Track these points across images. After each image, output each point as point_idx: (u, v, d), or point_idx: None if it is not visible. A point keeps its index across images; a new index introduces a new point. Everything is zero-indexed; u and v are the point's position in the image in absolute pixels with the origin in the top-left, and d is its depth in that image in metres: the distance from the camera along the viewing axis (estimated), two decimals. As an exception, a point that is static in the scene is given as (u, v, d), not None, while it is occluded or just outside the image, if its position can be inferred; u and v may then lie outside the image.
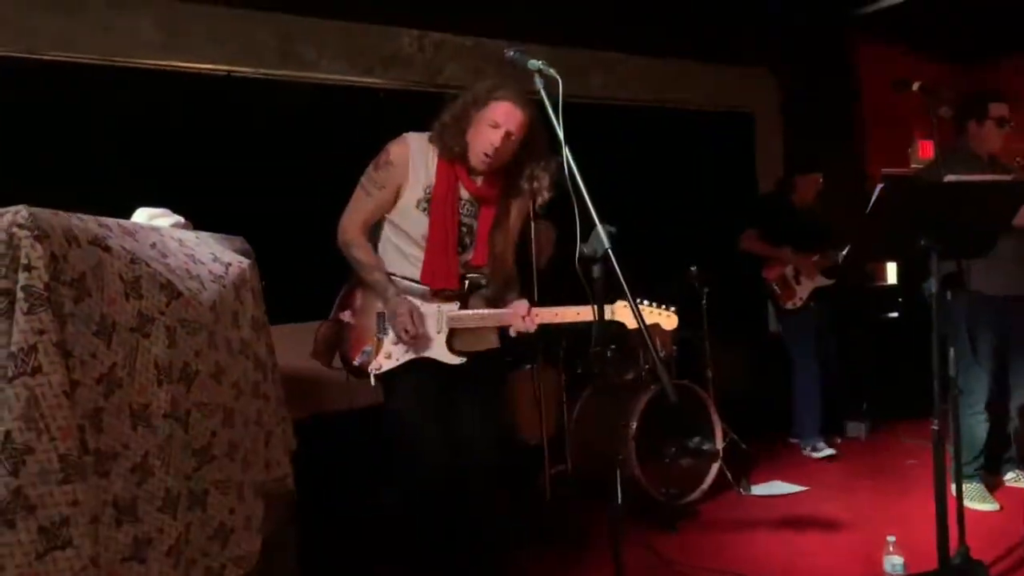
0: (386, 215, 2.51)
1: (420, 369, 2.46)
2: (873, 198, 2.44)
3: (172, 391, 1.45)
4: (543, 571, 3.17)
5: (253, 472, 1.75)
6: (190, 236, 1.84)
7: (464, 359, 2.45)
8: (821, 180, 4.89)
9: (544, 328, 3.86)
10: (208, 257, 1.76)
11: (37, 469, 1.12)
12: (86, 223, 1.34)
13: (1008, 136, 3.65)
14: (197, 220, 2.17)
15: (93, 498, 1.20)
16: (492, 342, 2.64)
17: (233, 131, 4.15)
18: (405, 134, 2.54)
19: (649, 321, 2.46)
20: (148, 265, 1.45)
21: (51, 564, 1.12)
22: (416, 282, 2.47)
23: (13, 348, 1.13)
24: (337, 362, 2.60)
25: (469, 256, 2.52)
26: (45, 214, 1.22)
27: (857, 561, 3.02)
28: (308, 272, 3.40)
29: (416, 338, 2.39)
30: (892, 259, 5.60)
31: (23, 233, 1.17)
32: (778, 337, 5.13)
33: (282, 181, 4.13)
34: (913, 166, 7.14)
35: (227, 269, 1.78)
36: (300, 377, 2.93)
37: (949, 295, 3.23)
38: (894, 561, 2.78)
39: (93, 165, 3.65)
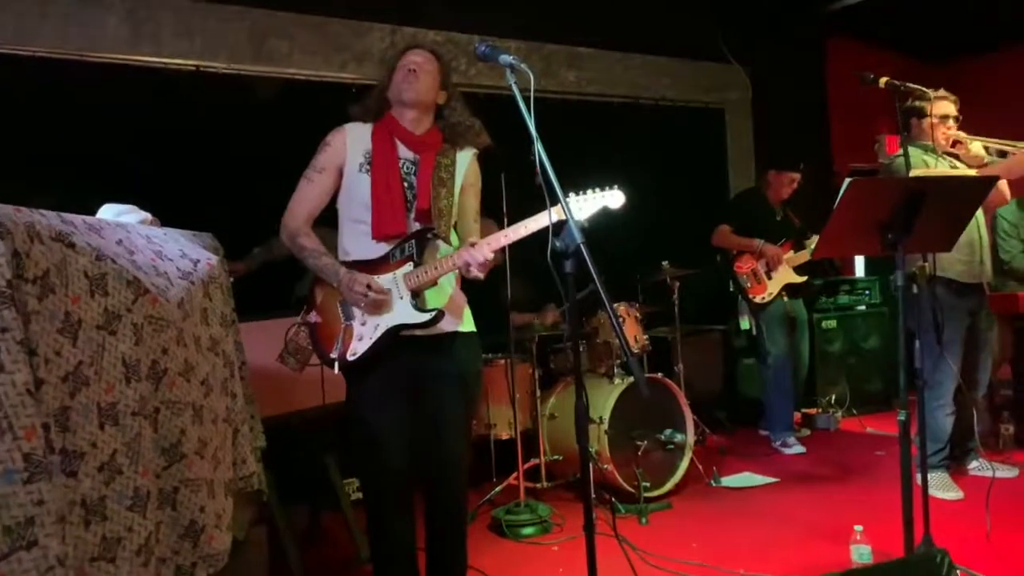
0: (337, 203, 2.51)
1: (387, 359, 2.44)
2: (840, 194, 2.48)
3: (140, 389, 1.44)
4: (515, 563, 3.18)
5: (222, 470, 1.73)
6: (158, 233, 1.82)
7: (433, 313, 2.40)
8: (796, 179, 4.95)
9: (517, 326, 3.85)
10: (176, 253, 1.74)
11: (0, 469, 1.10)
12: (49, 219, 1.32)
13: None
14: (165, 216, 2.16)
15: (60, 497, 1.19)
16: (459, 304, 2.62)
17: (203, 126, 4.10)
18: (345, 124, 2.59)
19: (597, 205, 2.38)
20: (114, 262, 1.44)
21: (16, 564, 1.11)
22: (368, 262, 2.45)
23: (-25, 347, 1.11)
24: (302, 367, 2.59)
25: (414, 205, 2.50)
26: (6, 210, 1.20)
27: (825, 550, 3.07)
28: (277, 268, 3.38)
29: (377, 303, 2.37)
30: (859, 254, 5.69)
31: (-15, 230, 1.15)
32: (748, 333, 5.20)
33: (252, 176, 4.09)
34: (880, 161, 7.26)
35: (195, 265, 1.77)
36: (270, 374, 2.91)
37: (915, 288, 3.29)
38: (861, 550, 2.82)
39: (57, 161, 3.59)
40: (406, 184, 2.48)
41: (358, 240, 2.46)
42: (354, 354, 2.40)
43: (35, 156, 3.55)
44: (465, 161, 2.62)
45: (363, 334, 2.40)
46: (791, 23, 6.46)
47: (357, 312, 2.42)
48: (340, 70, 4.68)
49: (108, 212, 1.81)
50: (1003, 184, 3.69)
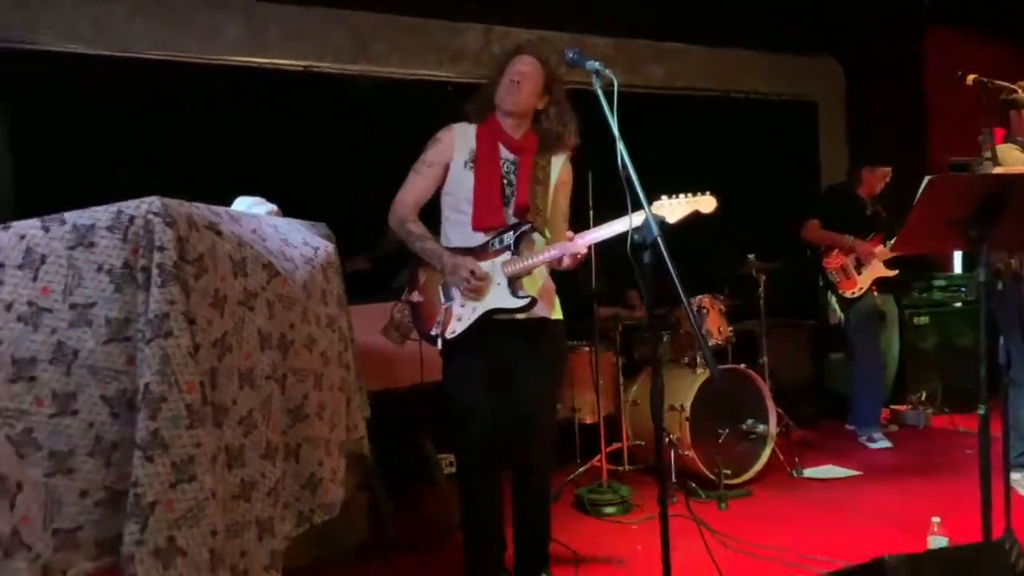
0: (442, 193, 2.74)
1: (482, 340, 2.63)
2: (921, 189, 2.53)
3: (272, 357, 1.68)
4: (596, 539, 3.35)
5: (338, 432, 1.98)
6: (282, 222, 2.07)
7: (528, 299, 2.60)
8: (888, 174, 4.90)
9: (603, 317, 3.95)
10: (299, 241, 1.99)
11: (170, 415, 1.35)
12: (202, 211, 1.57)
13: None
14: (284, 208, 2.42)
15: (212, 442, 1.43)
16: (549, 292, 2.80)
17: (312, 124, 4.41)
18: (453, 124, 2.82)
19: (688, 209, 2.52)
20: (252, 248, 1.68)
21: (180, 493, 1.36)
22: (469, 249, 2.66)
23: (150, 315, 1.36)
24: (405, 342, 2.83)
25: (513, 200, 2.72)
26: (172, 203, 1.45)
27: (903, 541, 3.11)
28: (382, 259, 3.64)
29: (478, 288, 2.58)
30: (940, 251, 5.56)
31: (156, 220, 1.40)
32: (837, 326, 5.18)
33: (355, 171, 4.38)
34: (984, 154, 7.02)
35: (316, 252, 2.01)
36: (373, 353, 3.17)
37: (1001, 285, 3.27)
38: (938, 541, 2.85)
39: (189, 157, 3.95)
40: (506, 182, 2.71)
41: (459, 230, 2.70)
42: (453, 332, 2.61)
43: (170, 153, 3.92)
44: (559, 164, 2.83)
45: (462, 315, 2.62)
46: (888, 13, 6.32)
47: (457, 294, 2.64)
48: (436, 68, 4.93)
49: (241, 204, 2.07)
50: None
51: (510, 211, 2.70)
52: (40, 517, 1.36)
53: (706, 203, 2.56)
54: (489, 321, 2.62)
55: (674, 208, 2.50)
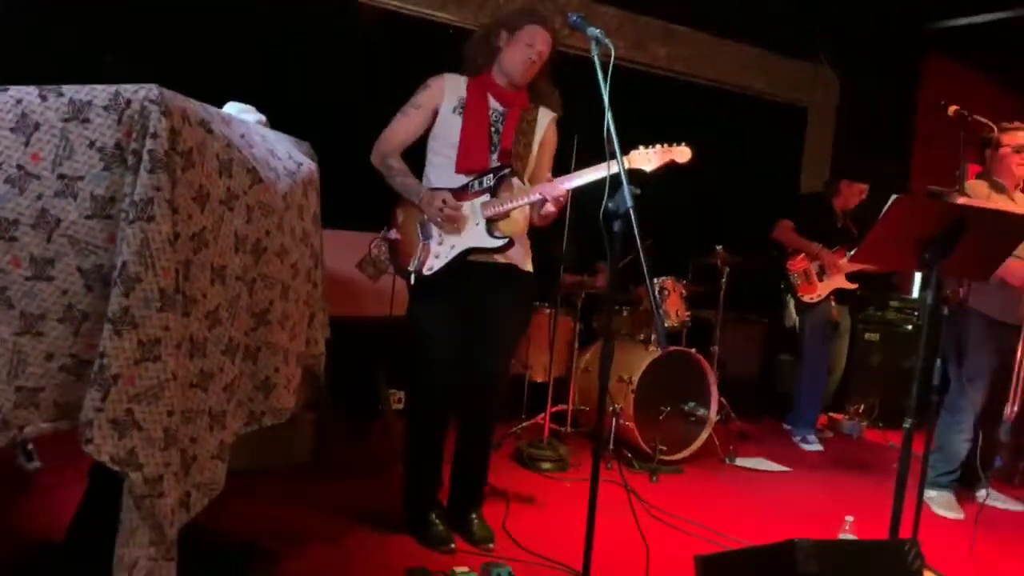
0: (428, 138, 2.81)
1: (453, 283, 2.72)
2: (887, 206, 2.64)
3: (244, 260, 1.74)
4: (530, 491, 3.48)
5: (297, 343, 2.04)
6: (269, 133, 2.10)
7: (505, 240, 2.70)
8: (864, 190, 5.03)
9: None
10: (284, 154, 2.03)
11: (142, 296, 1.40)
12: (196, 107, 1.61)
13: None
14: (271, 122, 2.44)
15: (179, 329, 1.49)
16: (525, 244, 2.89)
17: (310, 47, 4.39)
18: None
19: (664, 159, 2.59)
20: (239, 151, 1.73)
21: (143, 370, 1.42)
22: (450, 190, 2.73)
23: (135, 198, 1.41)
24: (378, 280, 2.90)
25: (497, 147, 2.80)
26: (169, 94, 1.49)
27: (815, 534, 3.26)
28: (359, 187, 3.66)
29: (453, 217, 2.65)
30: (896, 268, 5.72)
31: (153, 107, 1.44)
32: (791, 328, 5.33)
33: (346, 96, 4.37)
34: (956, 187, 7.20)
35: (299, 167, 2.06)
36: (342, 279, 3.23)
37: (946, 311, 3.41)
38: (848, 538, 3.02)
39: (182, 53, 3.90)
40: (493, 130, 2.78)
41: (442, 173, 2.77)
42: (430, 269, 2.70)
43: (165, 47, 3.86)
44: (545, 122, 2.90)
45: (439, 252, 2.70)
46: (891, 35, 6.41)
47: (435, 232, 2.72)
48: (440, 10, 4.90)
49: (232, 108, 2.10)
50: None
51: (494, 157, 2.77)
52: (4, 372, 1.42)
53: (680, 153, 2.62)
54: (464, 263, 2.69)
55: (650, 157, 2.57)
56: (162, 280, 1.43)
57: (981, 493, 4.12)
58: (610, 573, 2.58)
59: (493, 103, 2.80)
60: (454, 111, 2.78)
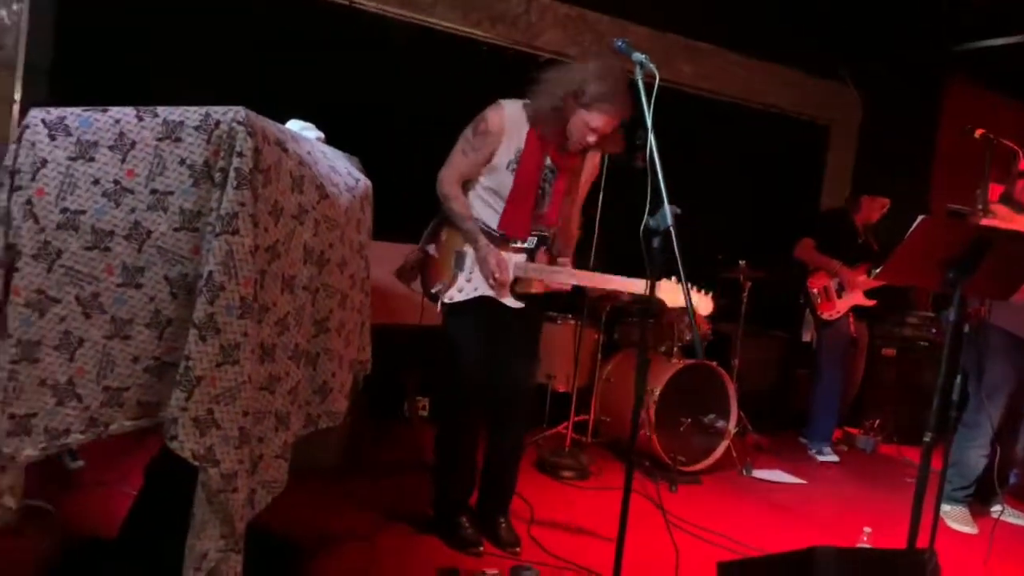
0: (480, 174, 2.87)
1: (482, 305, 2.85)
2: (912, 227, 2.72)
3: (310, 270, 1.85)
4: (551, 498, 3.57)
5: (351, 350, 2.15)
6: (329, 150, 2.21)
7: (523, 304, 2.85)
8: (886, 205, 5.11)
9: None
10: (344, 170, 2.14)
11: (225, 303, 1.51)
12: (273, 128, 1.72)
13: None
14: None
15: (255, 335, 1.60)
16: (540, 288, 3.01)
17: (353, 61, 4.51)
18: (501, 101, 2.84)
19: (683, 302, 2.70)
20: (309, 168, 1.84)
21: (223, 373, 1.52)
22: (492, 231, 2.85)
23: (222, 212, 1.52)
24: (417, 286, 3.00)
25: (542, 213, 2.90)
26: (253, 115, 1.60)
27: (831, 543, 3.34)
28: (400, 199, 3.79)
29: (502, 283, 2.79)
30: (920, 285, 5.79)
31: (240, 128, 1.55)
32: (809, 344, 5.41)
33: (385, 112, 4.50)
34: (978, 206, 7.25)
35: (357, 183, 2.16)
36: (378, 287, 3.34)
37: (967, 328, 3.49)
38: (867, 548, 3.10)
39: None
40: (541, 191, 2.87)
41: (487, 214, 2.87)
42: (450, 299, 2.84)
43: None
44: (591, 162, 3.00)
45: (463, 288, 2.84)
46: (914, 56, 6.49)
47: (467, 267, 2.84)
48: (475, 27, 5.02)
49: (294, 126, 2.21)
50: None
51: (540, 213, 2.89)
52: (95, 373, 1.53)
53: (705, 305, 2.81)
54: (481, 302, 2.84)
55: (675, 294, 2.63)
56: (243, 289, 1.53)
57: (996, 508, 4.19)
58: (637, 578, 2.66)
59: (548, 161, 2.86)
60: (508, 166, 2.80)
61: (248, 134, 1.55)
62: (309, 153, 1.94)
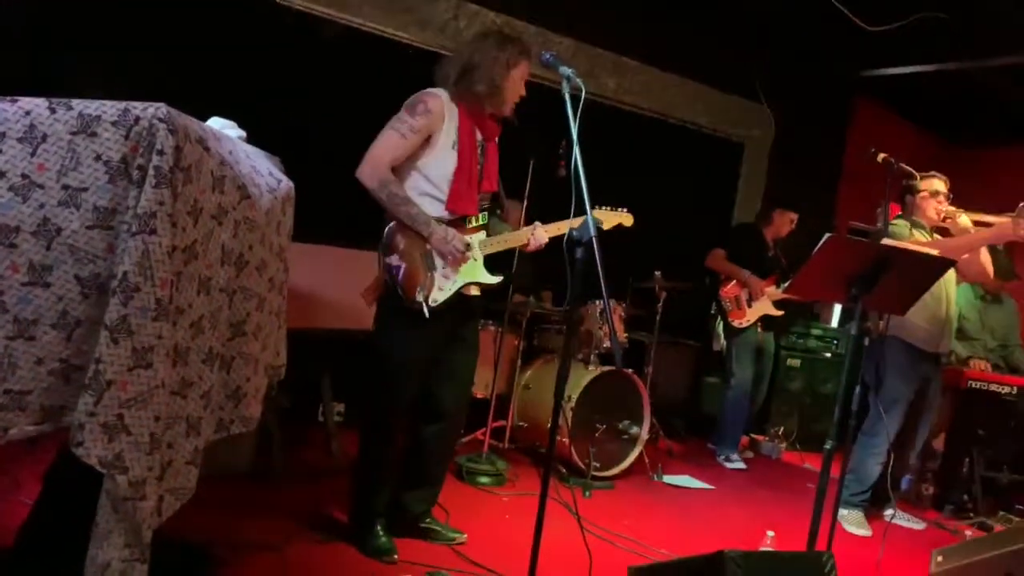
0: (416, 162, 2.80)
1: (445, 312, 2.81)
2: (819, 244, 2.86)
3: (228, 272, 1.80)
4: (468, 505, 3.58)
5: (267, 354, 2.10)
6: (251, 150, 2.17)
7: (500, 277, 2.90)
8: (795, 219, 5.33)
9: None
10: (265, 171, 2.10)
11: (140, 305, 1.46)
12: (195, 125, 1.67)
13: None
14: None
15: (169, 338, 1.55)
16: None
17: (274, 58, 4.42)
18: (434, 89, 2.84)
19: (612, 222, 3.06)
20: (230, 168, 1.80)
21: (136, 377, 1.47)
22: (443, 218, 2.81)
23: (139, 211, 1.47)
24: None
25: (481, 183, 2.93)
26: (175, 112, 1.56)
27: (736, 546, 3.46)
28: (323, 200, 3.73)
29: (465, 260, 2.78)
30: (825, 300, 6.10)
31: (161, 125, 1.50)
32: (719, 352, 5.60)
33: (308, 110, 4.43)
34: (878, 224, 7.65)
35: (279, 184, 2.13)
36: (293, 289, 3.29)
37: (867, 341, 3.68)
38: (771, 551, 3.22)
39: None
40: (478, 165, 2.88)
41: (428, 203, 2.80)
42: (435, 301, 2.76)
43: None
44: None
45: (443, 285, 2.79)
46: (824, 78, 6.82)
47: (439, 263, 2.79)
48: (402, 30, 5.00)
49: (215, 123, 2.15)
50: (988, 261, 4.08)
51: (479, 193, 2.91)
52: (-5, 375, 1.46)
53: (627, 218, 3.17)
54: (462, 293, 2.85)
55: (608, 217, 2.92)
56: (159, 291, 1.49)
57: (889, 512, 4.43)
58: (551, 583, 2.70)
59: (477, 134, 2.88)
60: (453, 146, 2.79)
61: (169, 131, 1.51)
62: (231, 152, 1.90)
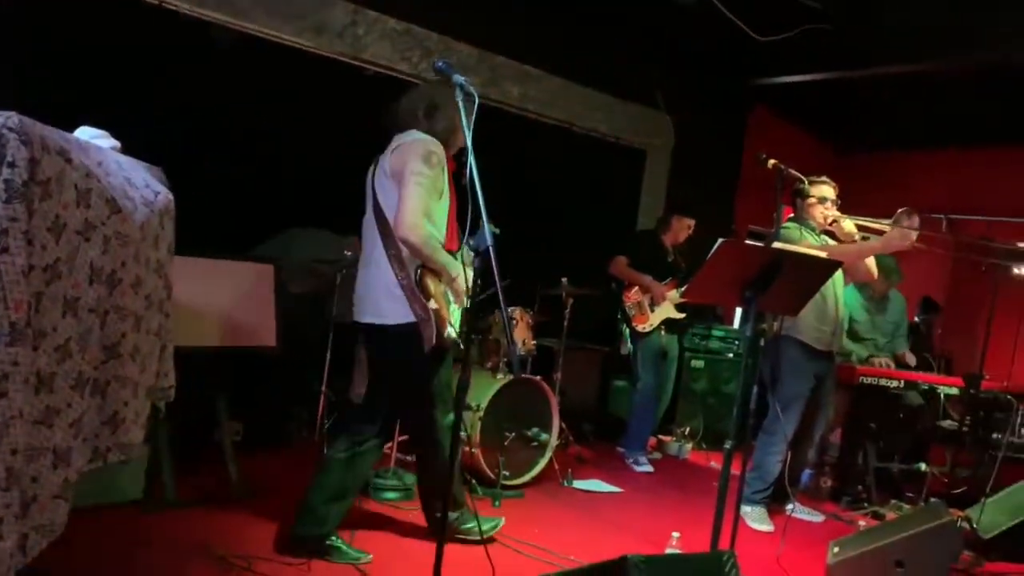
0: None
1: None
2: (713, 250, 2.92)
3: (99, 291, 1.69)
4: (375, 522, 3.50)
5: (147, 376, 1.99)
6: (125, 160, 2.05)
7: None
8: (692, 225, 5.46)
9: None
10: (141, 183, 1.99)
11: (-9, 330, 1.35)
12: (55, 135, 1.56)
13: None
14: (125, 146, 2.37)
15: (28, 363, 1.44)
16: None
17: (161, 61, 4.23)
18: (431, 138, 2.94)
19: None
20: (98, 181, 1.68)
21: (-11, 408, 1.36)
22: None
23: (-12, 228, 1.36)
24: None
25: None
26: (29, 122, 1.45)
27: (646, 549, 3.51)
28: (215, 211, 3.60)
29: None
30: (721, 303, 6.29)
31: (12, 136, 1.39)
32: (625, 356, 5.69)
33: (199, 118, 4.26)
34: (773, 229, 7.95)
35: (156, 196, 2.01)
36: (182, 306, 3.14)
37: (763, 342, 3.80)
38: (674, 552, 3.27)
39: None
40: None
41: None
42: (450, 336, 2.95)
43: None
44: None
45: (452, 320, 2.95)
46: (720, 87, 7.04)
47: (452, 299, 2.97)
48: (298, 36, 4.87)
49: (84, 134, 2.02)
50: (872, 263, 4.27)
51: None
52: None
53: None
54: None
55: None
56: (14, 314, 1.38)
57: (789, 507, 4.57)
58: (456, 598, 2.66)
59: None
60: (446, 190, 2.95)
61: (22, 142, 1.41)
62: (100, 164, 1.78)
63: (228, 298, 3.48)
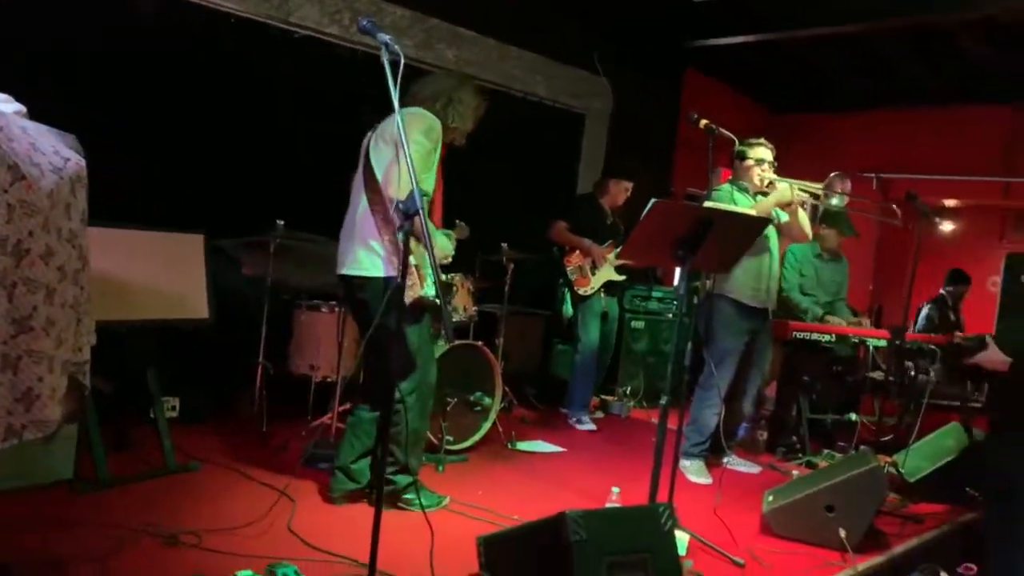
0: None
1: None
2: (645, 211, 2.94)
3: (4, 262, 1.62)
4: (316, 491, 3.48)
5: (63, 350, 1.91)
6: (31, 126, 1.95)
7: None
8: (630, 188, 5.49)
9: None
10: (49, 149, 1.90)
11: None
12: (-54, 98, 1.48)
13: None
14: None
15: (-74, 339, 1.37)
16: None
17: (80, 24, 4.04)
18: (434, 116, 3.18)
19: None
20: (-2, 146, 1.61)
21: None
22: None
23: None
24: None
25: None
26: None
27: (588, 505, 3.56)
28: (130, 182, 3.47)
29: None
30: (655, 264, 6.38)
31: None
32: (567, 319, 5.73)
33: (115, 82, 4.10)
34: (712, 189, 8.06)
35: (65, 163, 1.93)
36: (106, 279, 3.03)
37: (696, 300, 3.86)
38: (614, 507, 3.33)
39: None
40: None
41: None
42: (427, 294, 3.09)
43: None
44: None
45: (429, 281, 3.10)
46: (656, 50, 7.05)
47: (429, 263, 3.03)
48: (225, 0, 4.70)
49: (-15, 98, 1.92)
50: (805, 223, 4.35)
51: None
52: None
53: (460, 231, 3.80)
54: None
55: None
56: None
57: (726, 459, 4.69)
58: (396, 563, 2.65)
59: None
60: (435, 166, 3.15)
61: (-95, 105, 1.32)
62: (1, 129, 1.70)
63: (155, 270, 3.38)
